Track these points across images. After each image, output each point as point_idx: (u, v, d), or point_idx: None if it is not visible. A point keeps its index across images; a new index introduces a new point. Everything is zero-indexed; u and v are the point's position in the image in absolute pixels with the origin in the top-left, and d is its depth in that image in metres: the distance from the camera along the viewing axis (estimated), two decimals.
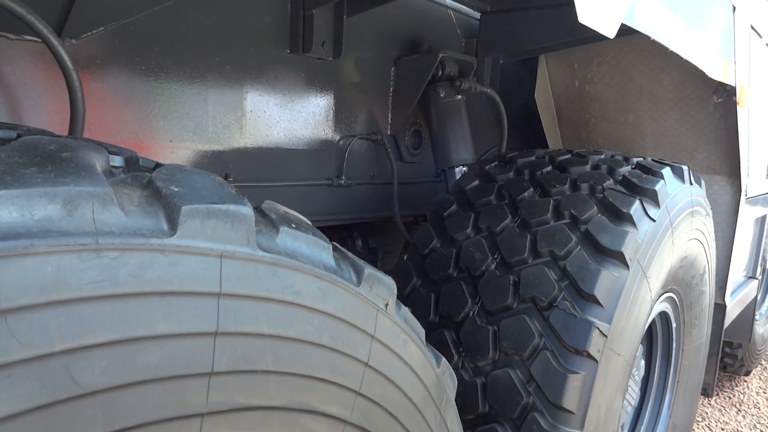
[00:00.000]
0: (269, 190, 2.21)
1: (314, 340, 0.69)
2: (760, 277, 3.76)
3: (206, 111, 1.97)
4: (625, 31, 1.42)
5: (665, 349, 2.39)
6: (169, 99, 1.87)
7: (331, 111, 2.40)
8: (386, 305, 0.82)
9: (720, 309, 2.80)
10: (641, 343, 1.99)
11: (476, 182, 2.07)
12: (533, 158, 2.09)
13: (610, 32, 1.14)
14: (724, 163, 2.67)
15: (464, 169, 2.62)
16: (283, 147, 2.24)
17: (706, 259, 2.32)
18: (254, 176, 2.16)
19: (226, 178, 2.05)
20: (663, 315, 2.26)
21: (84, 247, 0.46)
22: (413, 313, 1.90)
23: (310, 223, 0.80)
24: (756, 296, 3.66)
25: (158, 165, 0.71)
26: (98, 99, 1.72)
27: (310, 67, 2.25)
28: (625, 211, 1.70)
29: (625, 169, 1.91)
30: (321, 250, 0.71)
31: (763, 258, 3.87)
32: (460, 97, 2.66)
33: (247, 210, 0.60)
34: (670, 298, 2.20)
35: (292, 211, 0.79)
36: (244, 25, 1.99)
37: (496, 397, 1.57)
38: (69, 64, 1.38)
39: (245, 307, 0.60)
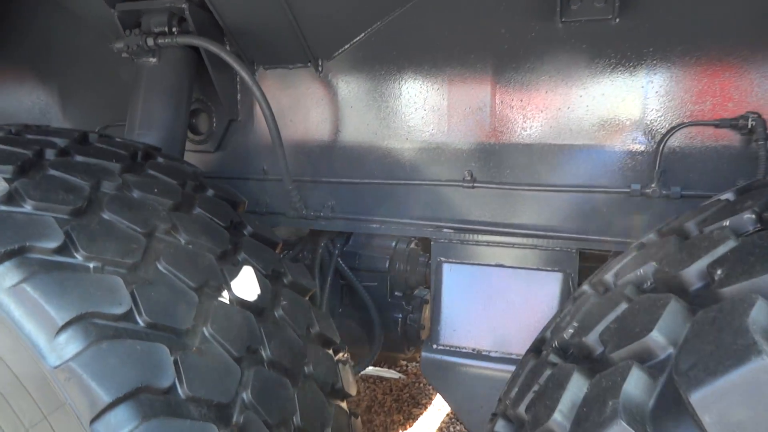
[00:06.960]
0: (523, 194, 1.81)
1: None
2: None
3: (444, 106, 1.87)
4: None
5: None
6: (406, 98, 1.91)
7: (631, 93, 1.67)
8: None
9: None
10: None
11: None
12: None
13: None
14: None
15: None
16: (548, 143, 1.77)
17: None
18: (502, 178, 1.83)
19: (466, 179, 1.85)
20: None
21: None
22: None
23: None
24: None
25: None
26: (348, 106, 2.00)
27: (585, 35, 1.68)
28: None
29: None
30: None
31: None
32: None
33: None
34: None
35: None
36: (492, 6, 1.73)
37: None
38: (258, 93, 1.79)
39: None
